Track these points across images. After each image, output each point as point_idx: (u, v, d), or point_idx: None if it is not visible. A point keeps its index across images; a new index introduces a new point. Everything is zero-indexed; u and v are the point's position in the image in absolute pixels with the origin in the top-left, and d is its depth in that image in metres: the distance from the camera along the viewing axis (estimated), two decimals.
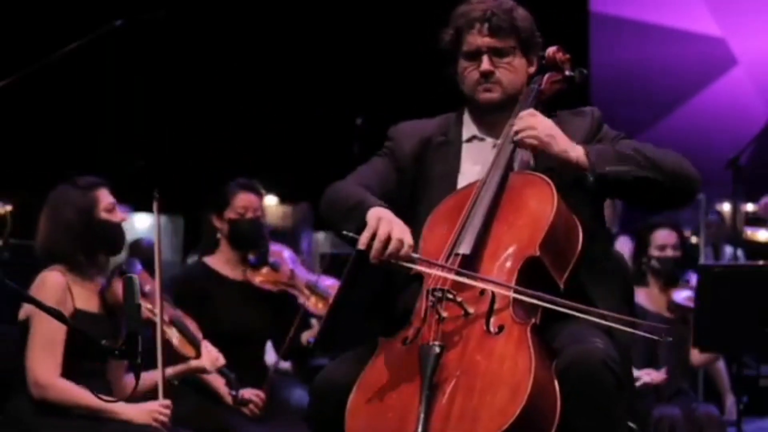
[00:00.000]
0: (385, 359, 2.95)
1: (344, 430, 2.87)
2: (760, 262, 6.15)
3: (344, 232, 2.97)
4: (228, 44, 9.44)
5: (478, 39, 3.18)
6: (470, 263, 2.96)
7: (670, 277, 5.76)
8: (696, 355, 5.69)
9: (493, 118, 3.24)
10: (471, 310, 2.90)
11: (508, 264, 2.97)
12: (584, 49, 9.66)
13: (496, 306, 2.89)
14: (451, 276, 2.93)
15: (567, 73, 3.31)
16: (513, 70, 3.20)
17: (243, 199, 4.92)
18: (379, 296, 3.23)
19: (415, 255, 2.96)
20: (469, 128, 3.27)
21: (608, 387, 2.83)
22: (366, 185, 3.15)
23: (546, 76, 3.28)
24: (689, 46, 9.70)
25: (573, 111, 3.28)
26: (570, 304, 2.90)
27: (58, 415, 3.98)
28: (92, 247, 4.15)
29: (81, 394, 3.97)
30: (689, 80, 9.73)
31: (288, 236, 7.45)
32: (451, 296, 2.90)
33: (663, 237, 5.75)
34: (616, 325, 2.94)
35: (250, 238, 4.95)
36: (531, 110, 3.12)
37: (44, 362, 3.98)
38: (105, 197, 4.20)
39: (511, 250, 2.99)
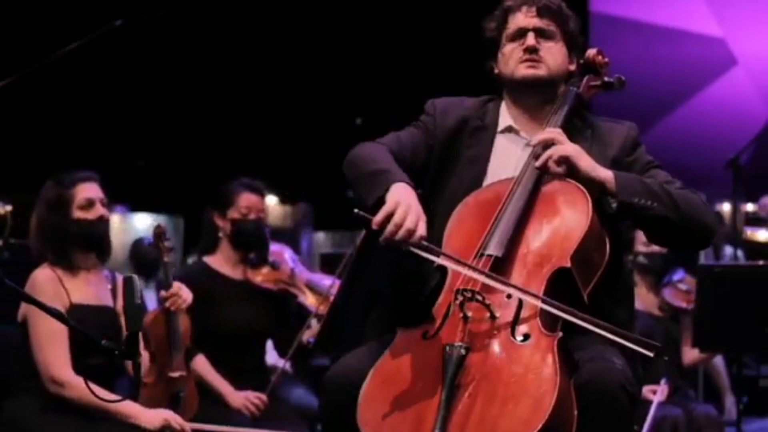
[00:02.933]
0: (404, 350, 2.91)
1: (355, 421, 2.82)
2: (760, 262, 6.15)
3: (356, 211, 2.89)
4: (228, 44, 9.44)
5: (525, 19, 3.21)
6: (499, 266, 2.93)
7: (659, 274, 5.75)
8: (688, 355, 5.69)
9: (530, 108, 3.23)
10: (497, 313, 2.87)
11: (538, 272, 2.93)
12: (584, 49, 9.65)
13: (523, 313, 2.86)
14: (482, 278, 2.89)
15: (606, 78, 3.31)
16: (556, 54, 3.20)
17: (247, 200, 4.91)
18: (393, 284, 3.21)
19: (431, 249, 2.90)
20: (505, 119, 3.25)
21: (623, 408, 2.83)
22: (399, 151, 3.12)
23: (585, 79, 3.28)
24: (689, 46, 9.70)
25: (611, 119, 3.28)
26: (591, 319, 2.84)
27: (57, 413, 3.94)
28: (62, 244, 4.08)
29: (98, 393, 3.94)
30: (689, 80, 9.73)
31: (288, 236, 7.45)
32: (480, 298, 2.87)
33: None
34: (629, 344, 2.85)
35: (253, 239, 4.95)
36: (557, 130, 3.10)
37: (56, 358, 3.93)
38: (82, 193, 4.12)
39: (541, 258, 2.95)
